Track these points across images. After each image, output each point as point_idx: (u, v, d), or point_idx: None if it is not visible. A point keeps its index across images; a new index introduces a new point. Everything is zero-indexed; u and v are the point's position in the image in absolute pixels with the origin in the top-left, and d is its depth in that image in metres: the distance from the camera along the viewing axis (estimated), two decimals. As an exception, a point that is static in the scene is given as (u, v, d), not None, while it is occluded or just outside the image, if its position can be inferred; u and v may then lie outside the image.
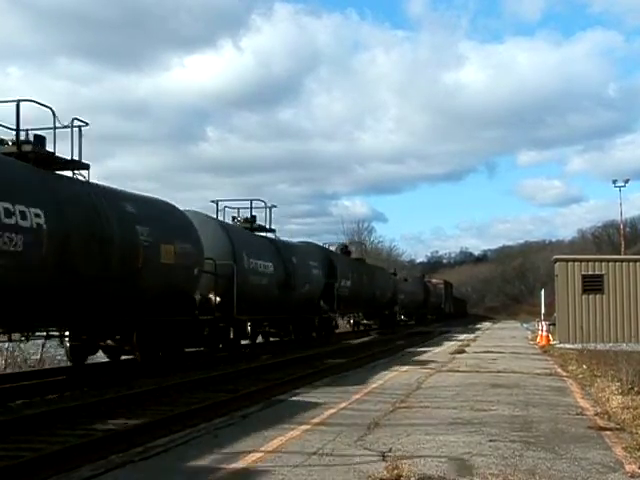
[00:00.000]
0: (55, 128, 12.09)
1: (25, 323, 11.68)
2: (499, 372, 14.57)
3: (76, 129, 12.43)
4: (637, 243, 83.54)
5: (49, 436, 8.06)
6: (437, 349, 22.90)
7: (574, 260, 25.45)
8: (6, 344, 15.11)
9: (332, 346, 24.35)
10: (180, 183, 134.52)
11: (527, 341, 29.91)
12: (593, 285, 24.31)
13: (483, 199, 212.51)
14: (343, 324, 38.46)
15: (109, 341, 14.41)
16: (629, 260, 25.86)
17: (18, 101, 11.45)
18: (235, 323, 18.30)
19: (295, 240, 30.22)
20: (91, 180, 12.99)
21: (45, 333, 12.88)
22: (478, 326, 54.97)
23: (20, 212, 10.24)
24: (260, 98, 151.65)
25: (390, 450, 6.56)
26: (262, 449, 6.58)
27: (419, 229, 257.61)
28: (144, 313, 13.90)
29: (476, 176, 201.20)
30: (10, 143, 11.67)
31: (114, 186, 14.01)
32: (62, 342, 14.52)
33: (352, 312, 35.51)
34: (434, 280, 72.04)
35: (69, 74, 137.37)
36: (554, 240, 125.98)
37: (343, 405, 9.57)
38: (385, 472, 5.60)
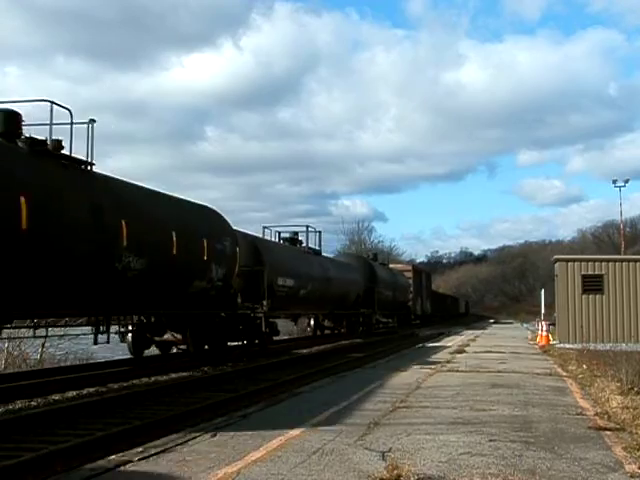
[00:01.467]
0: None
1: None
2: (499, 372, 14.57)
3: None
4: (637, 243, 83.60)
5: (49, 436, 8.06)
6: (437, 349, 22.89)
7: (574, 260, 25.45)
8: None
9: None
10: (180, 183, 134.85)
11: (527, 341, 29.91)
12: (593, 285, 24.31)
13: (483, 199, 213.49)
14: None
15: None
16: (629, 260, 25.85)
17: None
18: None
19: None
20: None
21: None
22: (478, 326, 54.94)
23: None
24: (260, 98, 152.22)
25: (390, 450, 6.56)
26: (262, 449, 6.58)
27: (419, 229, 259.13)
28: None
29: (476, 176, 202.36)
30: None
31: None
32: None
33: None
34: (396, 266, 48.42)
35: (68, 73, 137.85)
36: (554, 240, 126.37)
37: (344, 404, 9.56)
38: (385, 472, 5.60)
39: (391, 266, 45.75)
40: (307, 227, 27.61)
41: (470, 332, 38.15)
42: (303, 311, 26.90)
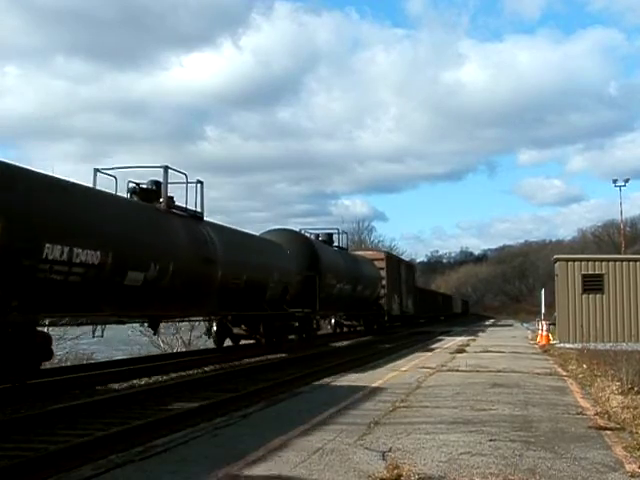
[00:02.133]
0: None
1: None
2: (499, 371, 14.57)
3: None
4: (637, 243, 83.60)
5: (49, 436, 8.06)
6: (437, 349, 22.89)
7: (574, 260, 25.45)
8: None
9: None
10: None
11: (527, 341, 29.90)
12: (593, 285, 24.32)
13: (483, 198, 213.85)
14: None
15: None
16: (629, 260, 25.85)
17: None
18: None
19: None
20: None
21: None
22: (477, 326, 54.94)
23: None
24: (259, 97, 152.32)
25: (390, 449, 6.56)
26: (262, 448, 6.58)
27: (419, 228, 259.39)
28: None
29: (476, 175, 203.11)
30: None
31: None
32: None
33: None
34: (365, 253, 37.61)
35: (67, 73, 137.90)
36: (554, 240, 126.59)
37: (343, 404, 9.56)
38: (385, 472, 5.60)
39: (359, 253, 36.77)
40: (166, 168, 15.77)
41: (470, 332, 36.26)
42: (138, 312, 14.85)
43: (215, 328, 20.59)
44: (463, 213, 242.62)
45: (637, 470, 5.79)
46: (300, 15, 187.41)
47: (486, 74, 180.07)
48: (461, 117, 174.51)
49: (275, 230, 26.32)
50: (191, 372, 15.51)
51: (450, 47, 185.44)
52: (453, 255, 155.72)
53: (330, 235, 30.63)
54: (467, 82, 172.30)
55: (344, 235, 32.76)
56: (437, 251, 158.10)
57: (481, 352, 20.80)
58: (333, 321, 32.60)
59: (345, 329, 33.73)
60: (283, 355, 20.23)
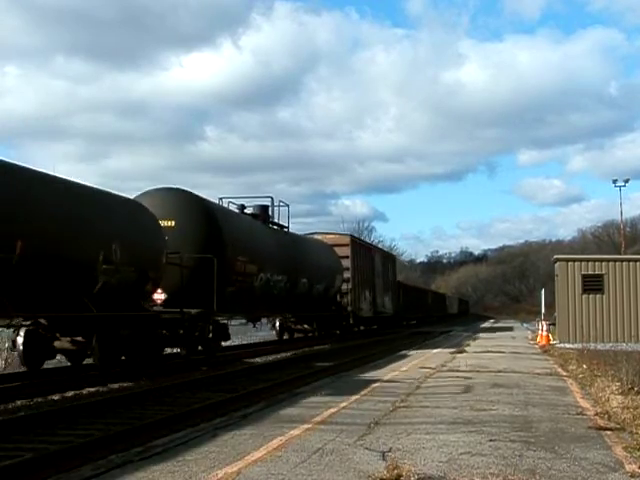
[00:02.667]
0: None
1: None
2: (499, 372, 14.57)
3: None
4: (637, 243, 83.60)
5: (49, 436, 8.06)
6: (437, 349, 22.90)
7: (574, 260, 25.44)
8: None
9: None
10: (179, 183, 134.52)
11: (527, 341, 29.90)
12: (593, 285, 24.32)
13: (483, 199, 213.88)
14: None
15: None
16: (629, 260, 25.85)
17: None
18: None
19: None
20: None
21: None
22: (477, 326, 54.92)
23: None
24: (259, 97, 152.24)
25: (390, 450, 6.55)
26: (262, 448, 6.58)
27: (419, 229, 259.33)
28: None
29: (476, 175, 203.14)
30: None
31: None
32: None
33: None
34: (324, 237, 28.77)
35: (67, 73, 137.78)
36: (554, 240, 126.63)
37: (343, 404, 9.56)
38: (385, 472, 5.59)
39: (316, 236, 28.57)
40: None
41: (470, 332, 35.85)
42: None
43: (22, 340, 13.00)
44: (463, 213, 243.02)
45: (637, 470, 5.79)
46: (300, 15, 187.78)
47: (486, 74, 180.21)
48: (461, 117, 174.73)
49: (153, 190, 17.32)
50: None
51: (450, 47, 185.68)
52: (453, 255, 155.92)
53: (264, 208, 22.23)
54: (467, 82, 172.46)
55: (285, 209, 23.73)
56: (437, 251, 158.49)
57: (481, 352, 20.80)
58: (277, 325, 26.44)
59: (301, 334, 27.14)
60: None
